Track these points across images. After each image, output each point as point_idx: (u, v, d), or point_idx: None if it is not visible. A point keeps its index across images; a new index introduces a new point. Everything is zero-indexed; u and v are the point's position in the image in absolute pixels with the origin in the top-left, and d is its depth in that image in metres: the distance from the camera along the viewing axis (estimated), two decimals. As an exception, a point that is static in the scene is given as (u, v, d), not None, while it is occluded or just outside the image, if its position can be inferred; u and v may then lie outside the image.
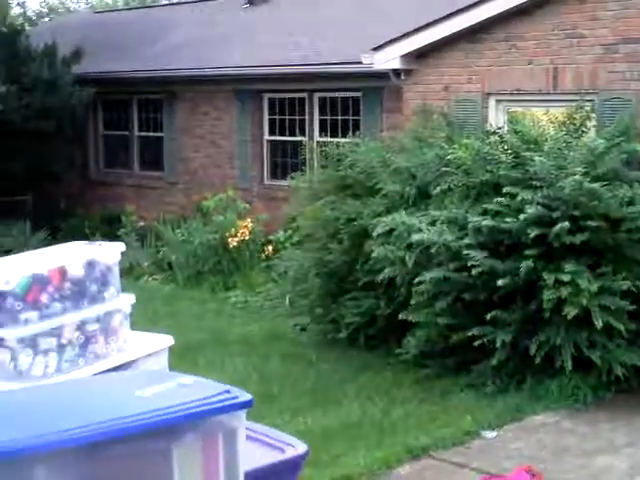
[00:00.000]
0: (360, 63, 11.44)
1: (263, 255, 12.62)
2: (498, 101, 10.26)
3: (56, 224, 16.31)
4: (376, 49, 11.00)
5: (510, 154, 7.99)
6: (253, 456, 3.22)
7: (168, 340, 4.26)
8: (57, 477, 2.49)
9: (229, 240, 12.53)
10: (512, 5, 9.78)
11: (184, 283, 12.73)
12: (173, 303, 11.72)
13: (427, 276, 7.55)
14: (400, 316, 8.00)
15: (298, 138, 13.84)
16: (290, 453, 3.52)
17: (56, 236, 15.06)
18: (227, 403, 2.75)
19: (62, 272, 3.84)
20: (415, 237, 7.61)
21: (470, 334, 7.42)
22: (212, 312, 11.22)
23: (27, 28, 21.29)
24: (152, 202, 16.42)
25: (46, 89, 16.13)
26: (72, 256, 3.99)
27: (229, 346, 9.51)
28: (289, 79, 13.89)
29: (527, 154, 7.78)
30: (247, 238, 12.53)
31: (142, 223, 15.18)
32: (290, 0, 17.27)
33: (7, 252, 11.67)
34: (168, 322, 9.69)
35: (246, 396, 2.80)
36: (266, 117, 14.67)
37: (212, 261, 12.66)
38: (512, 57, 9.95)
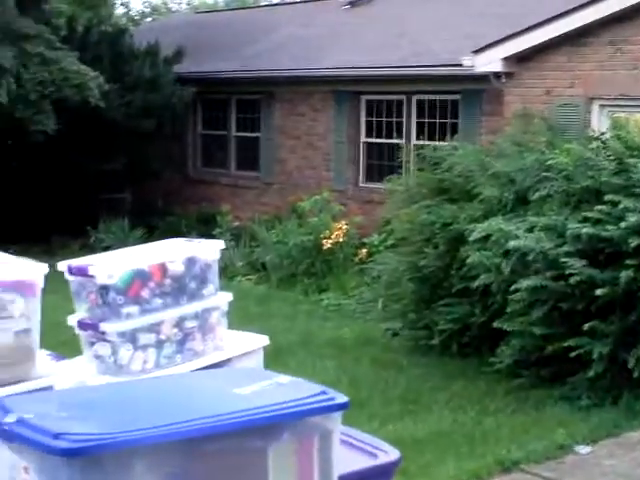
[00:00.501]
0: (460, 65, 11.35)
1: (357, 258, 12.59)
2: (602, 106, 10.06)
3: (153, 222, 16.58)
4: (477, 52, 10.90)
5: (613, 160, 7.80)
6: (345, 460, 3.18)
7: (263, 340, 4.27)
8: (155, 471, 2.50)
9: (323, 242, 12.55)
10: (616, 9, 9.58)
11: (277, 284, 12.79)
12: (266, 304, 11.78)
13: (523, 284, 7.42)
14: (495, 324, 7.88)
15: (395, 141, 13.80)
16: (382, 459, 3.48)
17: (153, 234, 15.32)
18: (324, 404, 2.73)
19: (163, 268, 3.88)
20: (512, 244, 7.49)
21: (566, 345, 7.26)
22: (304, 314, 11.25)
23: (130, 28, 21.73)
24: (247, 202, 16.57)
25: (148, 88, 16.44)
26: (173, 252, 4.02)
27: (320, 349, 9.50)
28: (387, 81, 13.86)
29: (631, 161, 7.59)
30: (341, 240, 12.53)
31: (237, 223, 15.32)
32: (390, 2, 17.23)
33: (106, 248, 11.92)
34: (260, 323, 9.73)
35: (342, 398, 2.78)
36: (363, 119, 14.67)
37: (306, 263, 12.69)
38: (617, 61, 9.74)
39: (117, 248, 4.41)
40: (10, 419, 2.58)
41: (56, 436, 2.41)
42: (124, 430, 2.48)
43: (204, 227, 15.65)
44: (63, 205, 16.79)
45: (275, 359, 7.59)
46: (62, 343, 4.72)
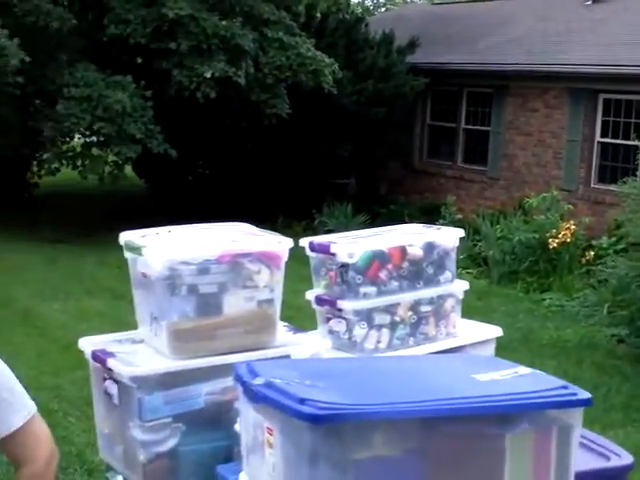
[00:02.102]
0: None
1: (583, 260, 12.24)
2: None
3: (375, 209, 16.77)
4: None
5: None
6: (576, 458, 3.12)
7: (496, 331, 4.24)
8: (393, 446, 2.54)
9: (549, 241, 12.26)
10: None
11: (498, 280, 12.63)
12: (486, 298, 11.66)
13: None
14: None
15: (632, 142, 13.28)
16: (615, 462, 3.39)
17: (375, 221, 15.49)
18: (565, 399, 2.68)
19: (402, 251, 3.92)
20: None
21: None
22: (525, 312, 11.05)
23: (366, 17, 22.03)
24: (471, 195, 16.45)
25: (380, 77, 16.61)
26: (412, 237, 4.06)
27: (540, 348, 9.33)
28: (628, 80, 13.34)
29: None
30: (568, 241, 12.20)
31: (459, 216, 15.24)
32: (635, -1, 16.57)
33: (328, 232, 12.16)
34: (480, 317, 9.62)
35: (585, 394, 2.72)
36: (599, 118, 14.19)
37: (529, 260, 12.44)
38: None
39: (339, 232, 4.48)
40: (258, 381, 2.69)
41: (302, 401, 2.49)
42: (366, 402, 2.54)
43: (426, 217, 15.64)
44: (290, 187, 17.28)
45: (495, 353, 7.52)
46: (288, 318, 4.88)
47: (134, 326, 3.91)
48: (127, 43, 14.71)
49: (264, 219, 15.92)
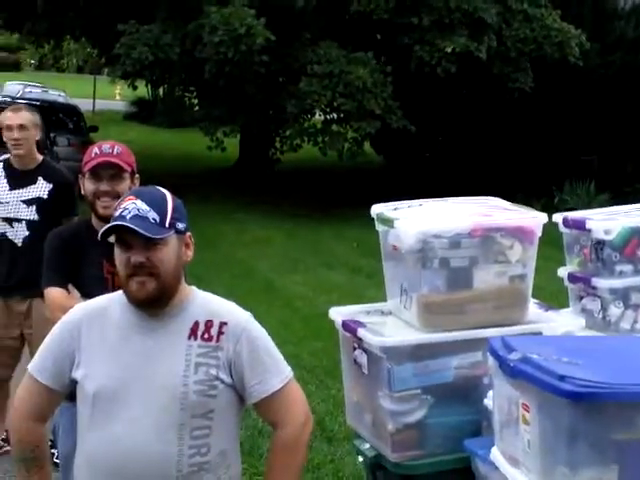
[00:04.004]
0: None
1: None
2: None
3: (619, 188, 16.11)
4: None
5: None
6: None
7: None
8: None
9: None
10: None
11: None
12: None
13: None
14: None
15: None
16: None
17: (619, 200, 14.85)
18: None
19: (662, 229, 3.74)
20: None
21: None
22: None
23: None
24: None
25: (629, 49, 15.91)
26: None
27: None
28: None
29: None
30: None
31: None
32: None
33: (568, 210, 11.80)
34: None
35: None
36: None
37: None
38: None
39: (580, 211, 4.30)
40: (515, 357, 2.65)
41: (561, 378, 2.43)
42: (628, 382, 2.45)
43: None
44: (530, 164, 16.92)
45: None
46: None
47: (372, 300, 3.95)
48: (370, 19, 14.85)
49: (502, 196, 15.69)
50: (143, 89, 28.51)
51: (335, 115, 15.87)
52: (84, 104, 25.77)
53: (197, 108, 19.49)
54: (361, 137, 15.79)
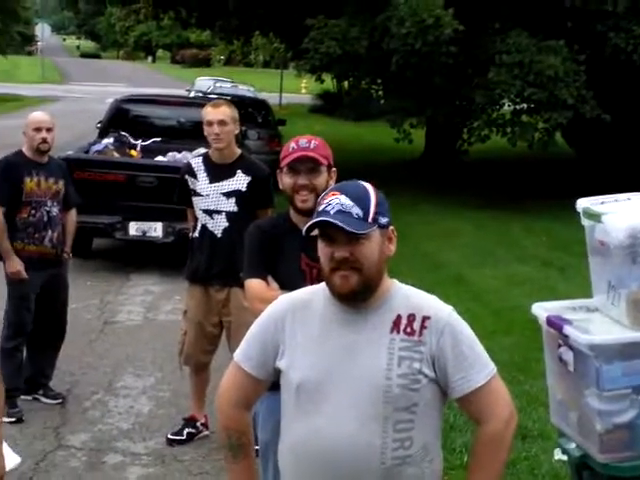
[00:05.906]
0: None
1: None
2: None
3: None
4: None
5: None
6: None
7: None
8: None
9: None
10: None
11: None
12: None
13: None
14: None
15: None
16: None
17: None
18: None
19: None
20: None
21: None
22: None
23: None
24: None
25: None
26: None
27: None
28: None
29: None
30: None
31: None
32: None
33: None
34: None
35: None
36: None
37: None
38: None
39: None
40: None
41: None
42: None
43: None
44: None
45: None
46: None
47: (564, 294, 3.82)
48: (562, 6, 14.44)
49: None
50: (329, 82, 28.83)
51: (525, 105, 15.52)
52: (271, 98, 26.33)
53: (383, 100, 19.52)
54: (552, 127, 15.37)
